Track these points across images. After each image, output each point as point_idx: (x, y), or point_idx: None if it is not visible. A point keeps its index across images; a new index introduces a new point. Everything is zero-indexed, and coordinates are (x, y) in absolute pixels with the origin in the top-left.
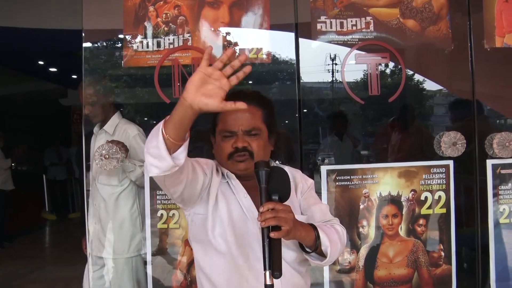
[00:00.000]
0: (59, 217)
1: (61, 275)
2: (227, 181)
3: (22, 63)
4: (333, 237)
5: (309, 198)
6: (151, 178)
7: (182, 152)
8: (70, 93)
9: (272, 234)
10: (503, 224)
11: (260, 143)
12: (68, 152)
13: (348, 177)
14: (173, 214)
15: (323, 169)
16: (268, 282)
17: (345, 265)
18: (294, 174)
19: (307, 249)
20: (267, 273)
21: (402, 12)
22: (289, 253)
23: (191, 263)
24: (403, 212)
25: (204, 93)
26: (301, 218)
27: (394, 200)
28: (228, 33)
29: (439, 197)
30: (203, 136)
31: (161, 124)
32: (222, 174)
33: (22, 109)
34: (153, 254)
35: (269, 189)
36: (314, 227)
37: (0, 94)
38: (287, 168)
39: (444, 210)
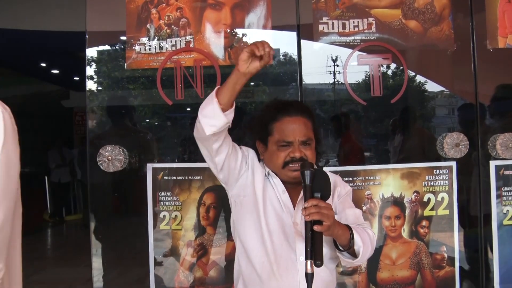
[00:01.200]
0: (61, 219)
1: (63, 276)
2: (267, 178)
3: (25, 64)
4: (366, 239)
5: (344, 202)
6: (153, 179)
7: (231, 112)
8: (72, 95)
9: (315, 227)
10: (506, 225)
11: (313, 151)
12: (70, 154)
13: (351, 179)
14: (176, 215)
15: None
16: (309, 271)
17: (348, 267)
18: (334, 178)
19: (340, 248)
20: (309, 262)
21: (404, 13)
22: None
23: (193, 265)
24: (406, 214)
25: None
26: (335, 217)
27: (397, 202)
28: (230, 35)
29: (442, 198)
30: None
31: (214, 93)
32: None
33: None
34: (155, 255)
35: (312, 187)
36: (349, 228)
37: (2, 96)
38: (329, 173)
39: (447, 212)
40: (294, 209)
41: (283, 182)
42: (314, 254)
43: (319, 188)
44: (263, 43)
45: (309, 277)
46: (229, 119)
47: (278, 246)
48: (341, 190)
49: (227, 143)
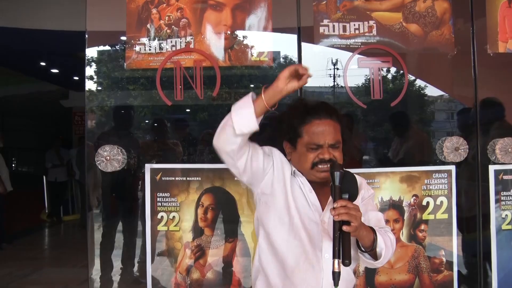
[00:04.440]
0: (58, 219)
1: (59, 276)
2: (294, 176)
3: (24, 64)
4: (387, 242)
5: (368, 204)
6: (151, 180)
7: (260, 119)
8: (71, 95)
9: (344, 228)
10: (505, 230)
11: (341, 154)
12: (68, 154)
13: None
14: (174, 216)
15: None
16: (337, 270)
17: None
18: (360, 180)
19: (363, 249)
20: (336, 261)
21: (405, 17)
22: None
23: (190, 266)
24: (405, 217)
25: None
26: None
27: (396, 205)
28: (230, 36)
29: (441, 202)
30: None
31: (250, 98)
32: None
33: (23, 110)
34: (152, 257)
35: (341, 188)
36: (373, 230)
37: (1, 95)
38: (355, 175)
39: (446, 216)
40: (322, 208)
41: (310, 182)
42: (342, 253)
43: (347, 189)
44: (304, 67)
45: (336, 276)
46: (259, 122)
47: (304, 242)
48: (365, 192)
49: (247, 145)
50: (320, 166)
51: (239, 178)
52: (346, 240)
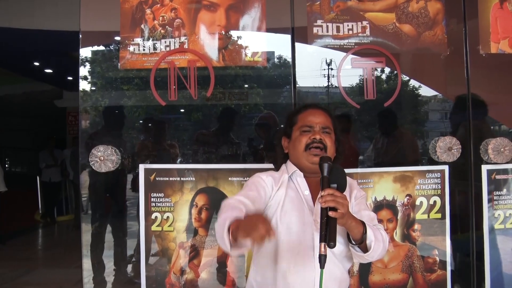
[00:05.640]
0: (52, 219)
1: (53, 277)
2: (291, 178)
3: (18, 63)
4: (378, 236)
5: (360, 204)
6: (145, 180)
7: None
8: (65, 95)
9: (330, 213)
10: (498, 229)
11: (332, 140)
12: (62, 154)
13: None
14: (168, 216)
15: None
16: (323, 253)
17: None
18: (351, 181)
19: (353, 242)
20: (322, 244)
21: (398, 17)
22: (338, 247)
23: (185, 266)
24: (398, 217)
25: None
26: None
27: (389, 205)
28: (224, 36)
29: (434, 202)
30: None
31: (226, 228)
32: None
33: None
34: (146, 257)
35: (330, 179)
36: (363, 223)
37: None
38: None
39: (439, 215)
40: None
41: (305, 173)
42: (328, 237)
43: (335, 180)
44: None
45: (322, 259)
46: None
47: (296, 242)
48: (357, 192)
49: (244, 210)
50: (312, 149)
51: None
52: (332, 225)
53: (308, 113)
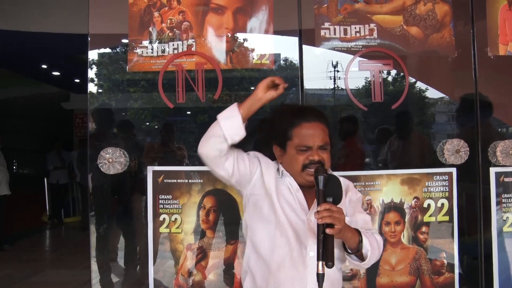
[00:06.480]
0: (59, 221)
1: (61, 278)
2: (282, 178)
3: (26, 66)
4: (374, 244)
5: (355, 207)
6: (154, 182)
7: (244, 125)
8: (73, 97)
9: (328, 230)
10: (506, 232)
11: (329, 156)
12: (70, 156)
13: None
14: (176, 218)
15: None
16: (321, 271)
17: (347, 272)
18: (347, 183)
19: (349, 250)
20: (320, 263)
21: (405, 19)
22: None
23: (192, 268)
24: (406, 220)
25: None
26: (346, 220)
27: (397, 207)
28: (232, 39)
29: (442, 204)
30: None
31: (235, 107)
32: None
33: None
34: (154, 259)
35: (325, 192)
36: (358, 232)
37: (2, 97)
38: (341, 178)
39: (447, 218)
40: (308, 207)
41: (299, 185)
42: (326, 256)
43: (331, 193)
44: (280, 78)
45: (320, 277)
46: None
47: (290, 240)
48: (352, 195)
49: (231, 149)
50: (309, 170)
51: (228, 182)
52: (329, 243)
53: (305, 129)
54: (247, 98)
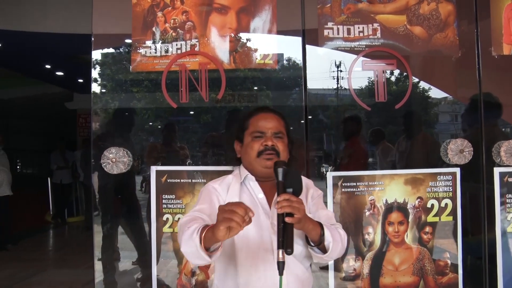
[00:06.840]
0: (63, 220)
1: (63, 278)
2: (244, 183)
3: (29, 66)
4: (336, 236)
5: (317, 204)
6: (157, 182)
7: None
8: (76, 97)
9: (287, 219)
10: (510, 233)
11: (285, 145)
12: (73, 156)
13: (354, 184)
14: (179, 218)
15: (329, 175)
16: (281, 259)
17: (350, 273)
18: (307, 181)
19: (312, 243)
20: (280, 251)
21: (409, 19)
22: (297, 248)
23: (195, 268)
24: (409, 220)
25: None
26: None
27: (400, 207)
28: (235, 39)
29: (446, 204)
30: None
31: (196, 235)
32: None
33: (27, 112)
34: (157, 258)
35: (285, 183)
36: (320, 225)
37: (6, 97)
38: (301, 176)
39: (450, 218)
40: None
41: (258, 177)
42: (286, 243)
43: (291, 184)
44: (239, 208)
45: (281, 265)
46: (215, 258)
47: (254, 247)
48: (313, 192)
49: (196, 219)
50: (264, 155)
51: None
52: (288, 231)
53: (260, 118)
54: (208, 232)
